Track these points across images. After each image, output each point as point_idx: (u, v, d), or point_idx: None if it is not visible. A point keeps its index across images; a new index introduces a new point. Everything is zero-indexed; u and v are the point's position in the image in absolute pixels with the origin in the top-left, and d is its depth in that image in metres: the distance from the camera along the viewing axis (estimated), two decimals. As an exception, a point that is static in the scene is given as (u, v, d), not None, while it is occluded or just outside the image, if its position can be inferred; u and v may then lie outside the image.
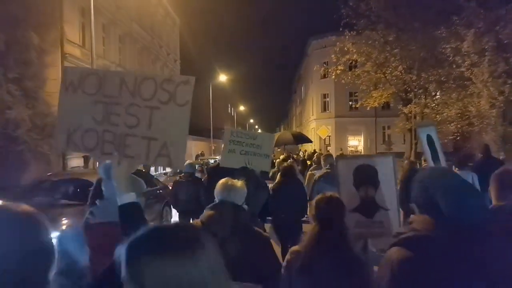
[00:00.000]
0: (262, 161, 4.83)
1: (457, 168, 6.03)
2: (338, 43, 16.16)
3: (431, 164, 3.65)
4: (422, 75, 13.59)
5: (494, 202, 2.16)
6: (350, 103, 35.60)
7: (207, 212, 2.30)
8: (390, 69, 15.08)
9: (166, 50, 32.22)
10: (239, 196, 2.39)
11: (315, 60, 38.95)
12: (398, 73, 14.88)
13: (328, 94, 37.93)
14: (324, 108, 38.65)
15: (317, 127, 38.80)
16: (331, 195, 2.39)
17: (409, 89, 14.33)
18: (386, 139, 31.57)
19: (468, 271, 1.31)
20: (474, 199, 1.43)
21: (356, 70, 15.94)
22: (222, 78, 40.08)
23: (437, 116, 13.23)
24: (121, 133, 1.94)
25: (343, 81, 18.00)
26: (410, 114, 14.48)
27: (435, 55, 13.36)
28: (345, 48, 15.33)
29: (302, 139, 15.73)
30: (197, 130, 43.70)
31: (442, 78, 13.31)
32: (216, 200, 2.39)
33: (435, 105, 13.65)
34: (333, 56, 16.12)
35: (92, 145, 1.99)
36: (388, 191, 3.36)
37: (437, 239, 1.36)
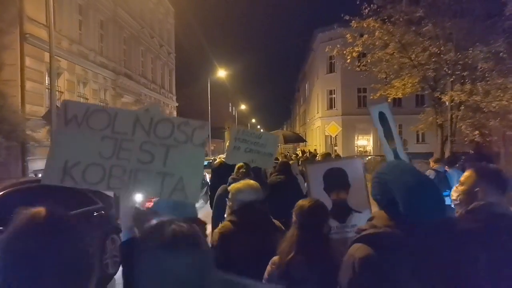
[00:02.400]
0: (265, 159, 5.08)
1: (447, 167, 6.38)
2: (353, 22, 13.23)
3: (384, 141, 3.52)
4: (471, 50, 10.74)
5: (469, 198, 2.03)
6: (359, 95, 32.66)
7: (229, 217, 2.56)
8: (418, 50, 12.21)
9: (159, 41, 29.54)
10: (259, 194, 2.62)
11: (321, 54, 36.37)
12: (430, 54, 12.04)
13: (334, 90, 35.21)
14: (330, 105, 35.92)
15: (322, 126, 36.19)
16: (315, 200, 2.41)
17: (448, 71, 11.46)
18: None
19: (425, 269, 1.31)
20: (432, 198, 1.42)
21: (377, 52, 13.08)
22: (222, 73, 37.29)
23: (492, 104, 10.35)
24: (132, 168, 2.07)
25: (357, 68, 15.18)
26: (451, 103, 11.55)
27: (486, 25, 10.66)
28: (364, 25, 12.46)
29: (292, 139, 15.12)
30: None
31: (501, 54, 10.42)
32: (237, 201, 2.58)
33: (485, 91, 10.57)
34: (348, 35, 13.24)
35: (96, 179, 2.06)
36: (359, 193, 3.32)
37: (396, 237, 1.37)
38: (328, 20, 35.65)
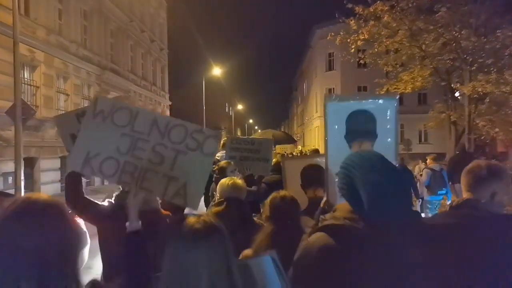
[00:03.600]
0: (262, 166, 5.02)
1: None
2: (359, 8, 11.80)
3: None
4: (499, 33, 9.37)
5: (463, 196, 1.96)
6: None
7: (214, 209, 2.69)
8: (430, 38, 10.85)
9: (150, 36, 28.14)
10: (242, 192, 2.82)
11: (320, 51, 35.18)
12: (443, 43, 10.70)
13: (334, 88, 33.95)
14: (330, 104, 34.54)
15: (321, 125, 34.89)
16: (284, 193, 2.47)
17: (468, 59, 10.05)
18: (403, 138, 27.44)
19: (381, 269, 1.29)
20: (398, 202, 1.37)
21: (384, 41, 11.68)
22: (218, 72, 35.81)
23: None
24: (142, 167, 2.22)
25: (361, 61, 13.86)
26: (472, 96, 10.17)
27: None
28: (371, 9, 11.06)
29: (282, 140, 15.48)
30: (190, 129, 39.81)
31: None
32: (217, 197, 2.83)
33: None
34: (352, 21, 11.86)
35: (110, 172, 2.24)
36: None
37: (356, 231, 1.36)
38: (327, 17, 34.23)
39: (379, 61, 13.55)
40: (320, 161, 3.28)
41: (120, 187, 2.43)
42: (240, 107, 69.42)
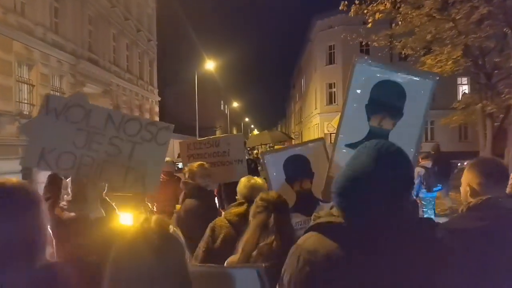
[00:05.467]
0: (235, 169, 4.37)
1: None
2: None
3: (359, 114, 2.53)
4: None
5: (470, 196, 1.81)
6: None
7: (234, 210, 2.62)
8: (466, 9, 8.68)
9: (136, 25, 25.86)
10: (262, 190, 2.60)
11: (320, 44, 33.07)
12: (481, 16, 8.56)
13: (334, 83, 31.83)
14: (330, 100, 32.51)
15: (321, 123, 32.83)
16: (275, 192, 2.36)
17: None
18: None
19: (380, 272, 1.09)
20: (376, 197, 1.15)
21: (411, 12, 9.44)
22: (211, 66, 33.39)
23: None
24: (100, 159, 2.35)
25: (375, 44, 11.68)
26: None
27: None
28: None
29: (281, 139, 15.57)
30: (183, 128, 37.48)
31: None
32: (239, 197, 2.76)
33: None
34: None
35: (67, 166, 2.32)
36: (325, 180, 2.80)
37: (357, 231, 1.14)
38: (327, 8, 32.17)
39: (396, 43, 11.38)
40: (302, 150, 3.08)
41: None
42: (235, 104, 67.23)
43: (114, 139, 2.37)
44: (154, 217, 1.25)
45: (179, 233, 1.45)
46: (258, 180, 2.83)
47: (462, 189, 1.91)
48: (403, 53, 11.57)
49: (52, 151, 2.30)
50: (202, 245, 2.51)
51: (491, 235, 1.58)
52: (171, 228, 1.29)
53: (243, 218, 2.45)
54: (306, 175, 2.98)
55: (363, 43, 29.98)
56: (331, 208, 1.28)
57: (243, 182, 2.79)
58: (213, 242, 2.51)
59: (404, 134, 2.37)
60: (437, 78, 2.43)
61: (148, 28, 28.75)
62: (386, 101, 2.38)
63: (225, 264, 2.09)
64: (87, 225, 2.03)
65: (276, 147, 19.90)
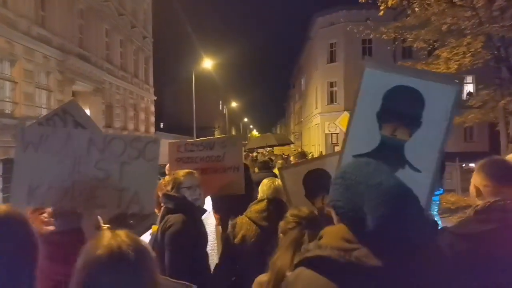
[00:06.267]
0: (227, 179, 3.80)
1: None
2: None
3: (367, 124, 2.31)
4: None
5: (477, 198, 1.78)
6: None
7: (254, 207, 2.72)
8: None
9: (131, 21, 24.89)
10: (282, 193, 2.78)
11: (321, 41, 32.14)
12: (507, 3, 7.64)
13: (336, 82, 30.91)
14: (331, 99, 31.55)
15: (322, 123, 31.91)
16: (309, 209, 2.15)
17: None
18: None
19: None
20: (417, 212, 1.05)
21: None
22: (209, 65, 32.33)
23: None
24: (90, 186, 2.25)
25: (384, 36, 10.76)
26: None
27: None
28: None
29: (285, 141, 16.82)
30: (180, 128, 36.49)
31: None
32: (259, 195, 2.83)
33: None
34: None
35: (59, 198, 2.23)
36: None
37: (356, 268, 1.00)
38: (328, 5, 31.29)
39: (407, 36, 10.47)
40: (322, 164, 2.97)
41: None
42: (234, 104, 66.35)
43: (100, 162, 2.30)
44: (122, 232, 1.15)
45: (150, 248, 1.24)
46: (279, 181, 2.84)
47: (470, 191, 1.89)
48: (414, 46, 10.61)
49: (39, 187, 2.24)
50: (222, 240, 2.54)
51: (498, 238, 1.55)
52: (143, 242, 1.17)
53: (263, 214, 2.64)
54: (327, 190, 2.44)
55: (366, 41, 29.65)
56: (320, 238, 1.14)
57: (267, 184, 2.86)
58: (233, 238, 2.59)
59: (423, 147, 2.16)
60: (462, 82, 2.18)
61: (144, 24, 27.79)
62: (401, 108, 2.17)
63: (253, 284, 2.04)
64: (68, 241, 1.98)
65: (276, 149, 19.20)
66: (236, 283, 2.63)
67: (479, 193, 1.79)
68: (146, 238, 5.20)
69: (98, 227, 3.93)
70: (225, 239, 2.59)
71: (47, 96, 15.70)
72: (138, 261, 1.07)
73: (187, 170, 3.02)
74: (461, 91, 2.16)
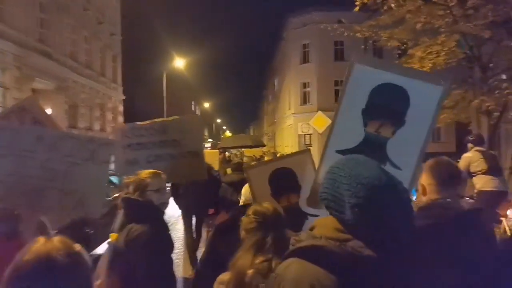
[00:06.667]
0: (187, 166, 3.45)
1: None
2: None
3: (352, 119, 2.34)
4: None
5: (427, 197, 1.85)
6: (336, 88, 28.85)
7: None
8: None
9: (97, 17, 23.81)
10: None
11: (294, 42, 32.10)
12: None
13: (309, 83, 30.96)
14: (304, 100, 31.56)
15: (295, 123, 31.84)
16: (271, 204, 2.09)
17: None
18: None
19: None
20: (400, 202, 1.07)
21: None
22: (180, 64, 31.44)
23: None
24: (34, 185, 2.13)
25: (358, 34, 10.61)
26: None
27: None
28: None
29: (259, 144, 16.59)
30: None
31: None
32: (243, 199, 2.87)
33: None
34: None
35: (1, 194, 2.13)
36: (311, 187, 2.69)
37: (351, 256, 1.00)
38: (301, 5, 31.34)
39: (381, 34, 10.34)
40: (287, 162, 2.98)
41: None
42: (207, 105, 65.58)
43: (48, 161, 2.19)
44: (57, 238, 1.10)
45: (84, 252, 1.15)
46: None
47: (418, 189, 1.95)
48: (388, 45, 10.51)
49: None
50: (207, 246, 2.48)
51: (437, 233, 1.59)
52: (77, 246, 1.12)
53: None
54: (293, 189, 2.86)
55: (338, 42, 29.81)
56: (311, 229, 1.16)
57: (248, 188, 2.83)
58: (219, 244, 2.54)
59: (405, 145, 2.19)
60: (449, 83, 2.20)
61: (111, 21, 26.68)
62: (386, 106, 2.19)
63: (215, 282, 1.98)
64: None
65: (246, 150, 18.76)
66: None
67: (424, 191, 1.87)
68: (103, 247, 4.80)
69: (45, 234, 3.70)
70: (211, 242, 2.53)
71: (2, 93, 14.60)
72: (70, 267, 1.03)
73: (152, 171, 2.62)
74: (446, 91, 2.13)
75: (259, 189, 2.86)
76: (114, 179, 8.18)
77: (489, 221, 4.53)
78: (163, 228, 2.59)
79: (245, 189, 2.85)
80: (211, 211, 6.02)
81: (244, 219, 2.02)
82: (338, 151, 2.23)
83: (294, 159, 3.09)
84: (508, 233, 5.67)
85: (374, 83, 2.15)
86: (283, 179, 2.86)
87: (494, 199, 5.40)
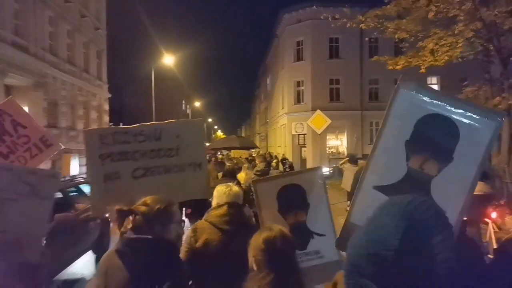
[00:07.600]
0: (187, 180, 2.98)
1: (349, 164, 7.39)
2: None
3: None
4: None
5: None
6: (331, 87, 28.08)
7: (214, 212, 2.58)
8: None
9: (80, 10, 22.50)
10: (240, 198, 2.69)
11: (288, 39, 31.08)
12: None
13: (303, 81, 29.95)
14: (298, 99, 30.56)
15: (289, 123, 30.82)
16: (281, 230, 1.95)
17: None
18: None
19: None
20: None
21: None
22: (170, 61, 30.14)
23: None
24: None
25: (362, 25, 9.63)
26: None
27: None
28: None
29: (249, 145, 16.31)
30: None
31: None
32: (216, 202, 2.66)
33: None
34: None
35: None
36: (321, 212, 2.86)
37: None
38: (296, 1, 30.33)
39: (388, 26, 9.38)
40: (298, 179, 2.92)
41: None
42: (198, 104, 64.32)
43: None
44: None
45: None
46: (236, 187, 2.73)
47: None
48: (395, 37, 9.54)
49: None
50: (184, 246, 2.48)
51: None
52: None
53: (225, 218, 2.52)
54: (302, 207, 2.84)
55: (333, 39, 28.90)
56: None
57: (225, 191, 2.64)
58: (195, 243, 2.50)
59: (451, 185, 1.98)
60: (504, 117, 2.03)
61: (96, 14, 25.37)
62: (433, 140, 2.01)
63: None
64: None
65: (234, 152, 17.71)
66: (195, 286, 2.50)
67: None
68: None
69: None
70: (188, 245, 2.52)
71: (-30, 89, 13.33)
72: None
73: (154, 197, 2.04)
74: (500, 128, 1.95)
75: (266, 203, 2.79)
76: (85, 187, 7.14)
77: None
78: None
79: (220, 191, 2.68)
80: (188, 210, 5.74)
81: (254, 243, 1.90)
82: (376, 187, 2.06)
83: (304, 176, 3.02)
84: (493, 236, 5.28)
85: (421, 113, 2.00)
86: (292, 196, 2.83)
87: (482, 203, 4.86)
